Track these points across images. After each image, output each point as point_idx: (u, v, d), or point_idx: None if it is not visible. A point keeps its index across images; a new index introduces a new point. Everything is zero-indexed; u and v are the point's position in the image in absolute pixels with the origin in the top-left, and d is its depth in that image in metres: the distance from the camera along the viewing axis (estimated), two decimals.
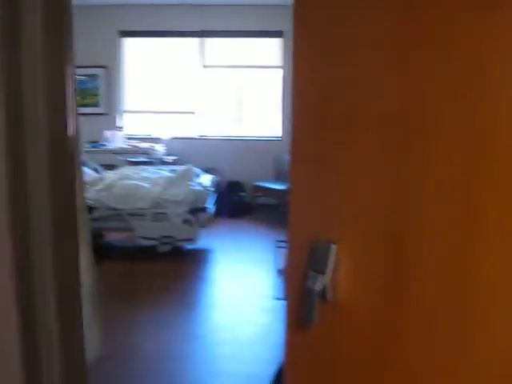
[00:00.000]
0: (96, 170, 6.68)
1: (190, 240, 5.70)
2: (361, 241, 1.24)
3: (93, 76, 8.14)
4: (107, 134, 7.14)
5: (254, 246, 6.25)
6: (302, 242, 1.31)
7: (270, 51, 8.01)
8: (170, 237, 5.66)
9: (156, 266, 5.45)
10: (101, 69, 8.12)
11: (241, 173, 8.05)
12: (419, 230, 1.16)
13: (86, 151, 6.86)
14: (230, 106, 8.34)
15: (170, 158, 7.62)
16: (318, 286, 1.25)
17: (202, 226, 5.80)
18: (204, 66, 8.04)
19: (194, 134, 8.17)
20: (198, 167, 6.91)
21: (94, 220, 5.69)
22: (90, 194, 5.70)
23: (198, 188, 5.77)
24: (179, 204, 5.58)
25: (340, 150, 1.23)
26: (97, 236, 6.18)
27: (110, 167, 7.01)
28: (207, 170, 7.64)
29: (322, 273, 1.26)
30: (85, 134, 7.74)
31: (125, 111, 8.30)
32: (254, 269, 5.41)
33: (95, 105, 8.23)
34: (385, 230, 1.20)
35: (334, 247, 1.26)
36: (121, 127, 7.67)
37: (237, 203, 7.78)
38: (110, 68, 8.10)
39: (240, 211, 7.71)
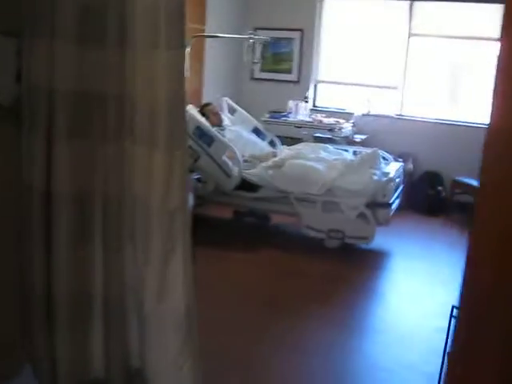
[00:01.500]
0: (272, 144, 6.01)
1: (364, 239, 4.78)
2: None
3: (288, 40, 7.45)
4: (291, 104, 6.40)
5: (443, 255, 5.12)
6: None
7: (492, 20, 6.56)
8: (340, 231, 4.79)
9: (318, 264, 4.63)
10: (297, 32, 7.39)
11: (441, 163, 6.82)
12: None
13: (265, 121, 6.22)
14: (441, 83, 7.07)
15: (359, 137, 6.67)
16: None
17: (380, 224, 4.83)
18: (411, 35, 6.87)
19: (391, 113, 7.09)
20: (390, 151, 5.89)
21: (258, 200, 5.05)
22: (257, 171, 5.05)
23: (381, 178, 4.79)
24: (356, 195, 4.66)
25: None
26: (263, 218, 5.55)
27: (293, 141, 6.30)
28: (400, 156, 6.58)
29: None
30: (268, 102, 7.21)
31: (317, 81, 7.50)
32: (437, 288, 4.34)
33: (288, 71, 7.56)
34: None
35: None
36: (307, 98, 6.88)
37: (431, 198, 6.60)
38: (306, 32, 7.32)
39: (433, 208, 6.54)
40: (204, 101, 6.33)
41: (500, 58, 0.65)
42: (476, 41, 6.68)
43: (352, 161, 5.09)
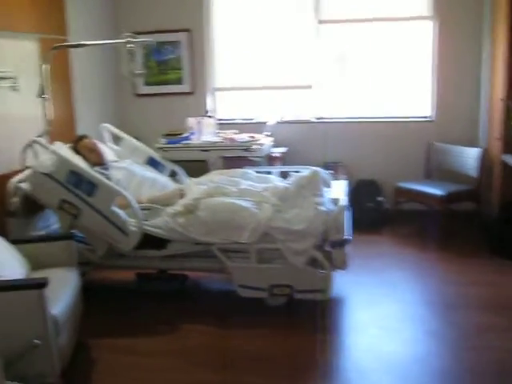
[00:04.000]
0: (173, 176, 4.68)
1: (319, 291, 3.56)
2: None
3: (174, 43, 6.13)
4: (192, 122, 5.10)
5: (407, 288, 4.07)
6: None
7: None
8: (287, 286, 3.56)
9: (268, 338, 3.35)
10: (183, 33, 6.08)
11: (376, 169, 5.79)
12: None
13: (161, 148, 4.87)
14: (362, 75, 5.99)
15: (278, 152, 5.48)
16: None
17: (337, 267, 3.63)
18: (320, 22, 5.79)
19: (309, 116, 5.97)
20: (315, 163, 4.78)
21: (169, 258, 3.74)
22: (163, 220, 3.70)
23: (331, 208, 3.59)
24: (301, 235, 3.44)
25: None
26: (175, 279, 4.16)
27: (195, 165, 4.98)
28: (328, 167, 5.46)
29: None
30: (161, 123, 5.73)
31: (215, 89, 6.24)
32: (422, 344, 3.21)
33: (178, 81, 6.23)
34: None
35: None
36: (210, 112, 5.60)
37: (372, 212, 5.55)
38: (194, 32, 6.04)
39: (376, 223, 5.49)
40: (79, 132, 4.89)
41: None
42: (393, 22, 5.71)
43: (286, 189, 3.85)
